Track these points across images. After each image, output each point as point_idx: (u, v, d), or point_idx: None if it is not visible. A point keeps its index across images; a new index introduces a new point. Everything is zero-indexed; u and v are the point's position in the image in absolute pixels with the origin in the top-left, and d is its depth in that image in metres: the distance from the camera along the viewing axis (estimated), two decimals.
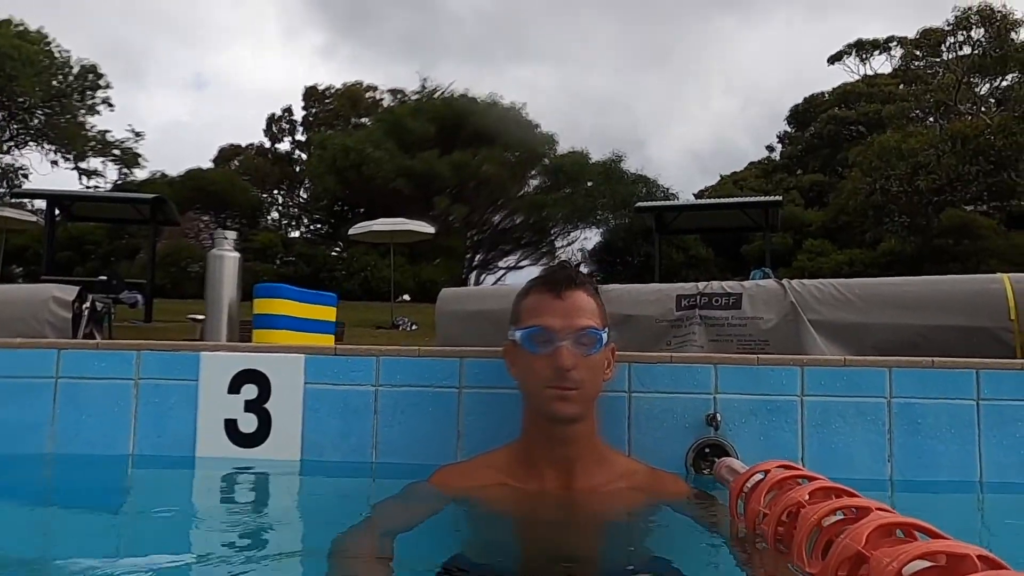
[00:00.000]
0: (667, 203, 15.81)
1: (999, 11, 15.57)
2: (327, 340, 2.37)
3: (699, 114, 70.18)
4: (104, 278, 14.37)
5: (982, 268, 20.31)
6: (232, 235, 2.40)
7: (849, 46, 45.69)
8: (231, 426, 1.82)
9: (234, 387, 1.82)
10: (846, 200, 19.34)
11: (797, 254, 26.26)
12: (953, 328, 4.23)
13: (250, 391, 1.82)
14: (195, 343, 1.99)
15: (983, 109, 15.21)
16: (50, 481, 1.87)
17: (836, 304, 5.17)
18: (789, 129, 45.21)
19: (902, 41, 45.00)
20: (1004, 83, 15.73)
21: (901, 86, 32.69)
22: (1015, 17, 15.87)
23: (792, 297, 4.42)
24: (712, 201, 16.59)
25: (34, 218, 21.89)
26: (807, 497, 1.04)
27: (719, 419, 1.77)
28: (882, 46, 45.13)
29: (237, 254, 2.38)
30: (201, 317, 11.37)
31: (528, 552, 1.31)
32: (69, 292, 3.58)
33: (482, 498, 1.51)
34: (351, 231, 18.98)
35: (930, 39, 17.54)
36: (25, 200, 29.50)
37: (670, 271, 22.58)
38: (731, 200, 16.06)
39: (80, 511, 1.61)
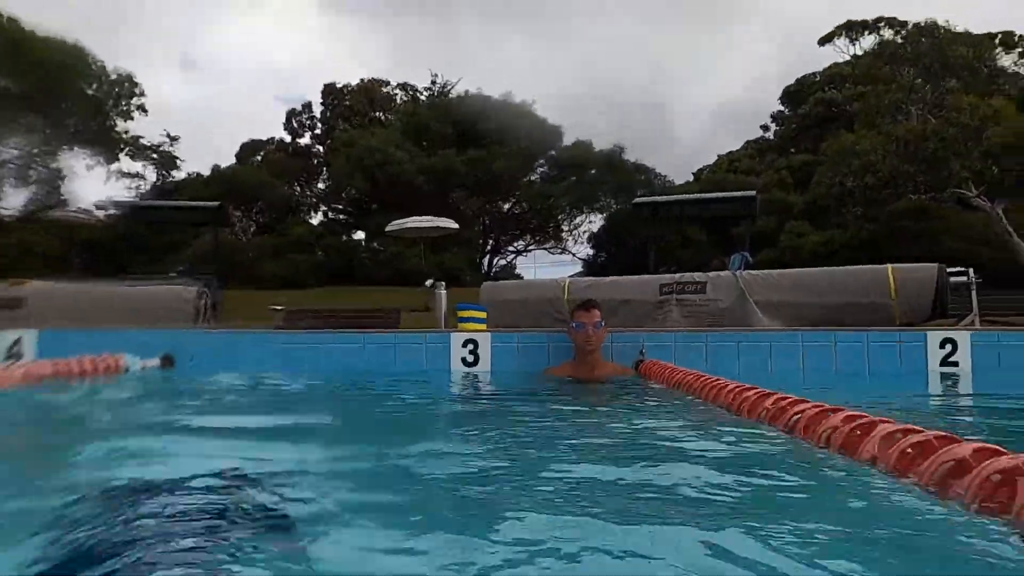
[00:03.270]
0: (660, 199, 18.62)
1: (942, 26, 18.17)
2: (483, 325, 5.38)
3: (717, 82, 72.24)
4: (176, 273, 17.32)
5: (938, 245, 23.16)
6: (442, 284, 5.38)
7: (839, 27, 47.93)
8: (464, 359, 4.83)
9: (464, 345, 4.83)
10: (814, 189, 22.20)
11: (781, 235, 29.14)
12: (852, 304, 7.32)
13: (471, 346, 4.83)
14: (448, 330, 5.00)
15: (928, 113, 17.93)
16: (396, 377, 4.87)
17: (772, 289, 8.58)
18: (783, 109, 47.55)
19: (890, 22, 47.22)
20: (946, 89, 18.42)
21: (887, 67, 34.81)
22: (955, 31, 18.47)
23: (742, 284, 7.59)
24: (697, 196, 19.42)
25: (98, 217, 24.90)
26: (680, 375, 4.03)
27: (644, 349, 4.77)
28: (871, 27, 47.39)
29: (445, 291, 5.35)
30: (280, 307, 14.31)
31: (577, 393, 4.31)
32: (191, 289, 6.53)
33: (561, 376, 4.51)
34: (388, 228, 21.82)
35: (885, 50, 20.08)
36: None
37: (667, 252, 25.40)
38: (713, 196, 18.93)
39: (401, 389, 4.55)
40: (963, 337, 4.52)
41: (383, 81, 47.68)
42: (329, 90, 46.87)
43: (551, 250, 41.16)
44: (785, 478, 1.84)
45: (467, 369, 4.82)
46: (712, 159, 45.98)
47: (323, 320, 12.64)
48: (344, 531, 1.38)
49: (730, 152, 47.05)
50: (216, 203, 22.11)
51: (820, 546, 1.32)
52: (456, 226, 21.81)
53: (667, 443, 2.39)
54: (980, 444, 1.43)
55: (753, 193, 16.68)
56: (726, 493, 1.68)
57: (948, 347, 4.54)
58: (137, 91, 37.65)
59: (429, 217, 21.65)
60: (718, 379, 3.14)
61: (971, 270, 9.43)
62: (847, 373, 4.64)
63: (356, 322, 11.75)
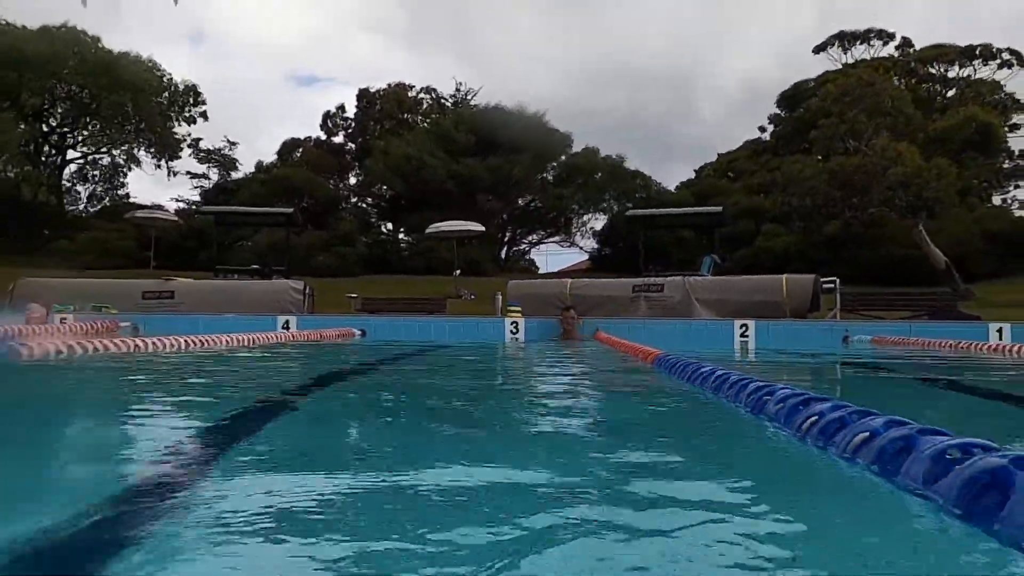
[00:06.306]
0: (648, 212, 23.57)
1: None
2: (520, 314, 10.42)
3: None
4: (256, 267, 22.15)
5: (881, 248, 27.94)
6: (499, 294, 10.35)
7: (832, 37, 52.13)
8: (511, 331, 9.91)
9: (511, 324, 9.89)
10: (773, 206, 27.16)
11: (758, 237, 33.96)
12: (760, 302, 12.88)
13: (514, 325, 9.90)
14: (501, 316, 10.07)
15: (864, 146, 22.54)
16: (476, 341, 9.96)
17: (709, 290, 14.65)
18: (779, 111, 51.85)
19: (879, 33, 51.42)
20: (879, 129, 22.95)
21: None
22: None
23: (687, 287, 13.17)
24: (675, 211, 24.24)
25: (175, 218, 30.10)
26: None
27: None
28: (862, 36, 51.60)
29: (501, 296, 10.33)
30: (355, 296, 20.11)
31: (565, 345, 9.38)
32: (299, 284, 11.30)
33: (558, 340, 9.59)
34: (427, 230, 26.76)
35: (829, 95, 24.60)
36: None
37: (660, 250, 30.23)
38: (689, 210, 23.95)
39: (482, 346, 9.60)
40: (751, 323, 9.53)
41: (409, 85, 52.72)
42: (362, 94, 51.97)
43: (561, 243, 46.16)
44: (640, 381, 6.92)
45: (512, 336, 9.87)
46: (730, 146, 50.86)
47: (390, 306, 17.45)
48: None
49: (729, 152, 51.61)
50: (290, 209, 27.24)
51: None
52: (483, 228, 26.81)
53: (593, 364, 7.48)
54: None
55: (720, 209, 21.67)
56: (606, 391, 6.76)
57: (743, 328, 9.56)
58: (200, 99, 42.85)
59: (461, 221, 26.69)
60: (623, 340, 8.11)
61: (837, 280, 14.69)
62: (699, 341, 9.70)
63: (416, 307, 16.72)
